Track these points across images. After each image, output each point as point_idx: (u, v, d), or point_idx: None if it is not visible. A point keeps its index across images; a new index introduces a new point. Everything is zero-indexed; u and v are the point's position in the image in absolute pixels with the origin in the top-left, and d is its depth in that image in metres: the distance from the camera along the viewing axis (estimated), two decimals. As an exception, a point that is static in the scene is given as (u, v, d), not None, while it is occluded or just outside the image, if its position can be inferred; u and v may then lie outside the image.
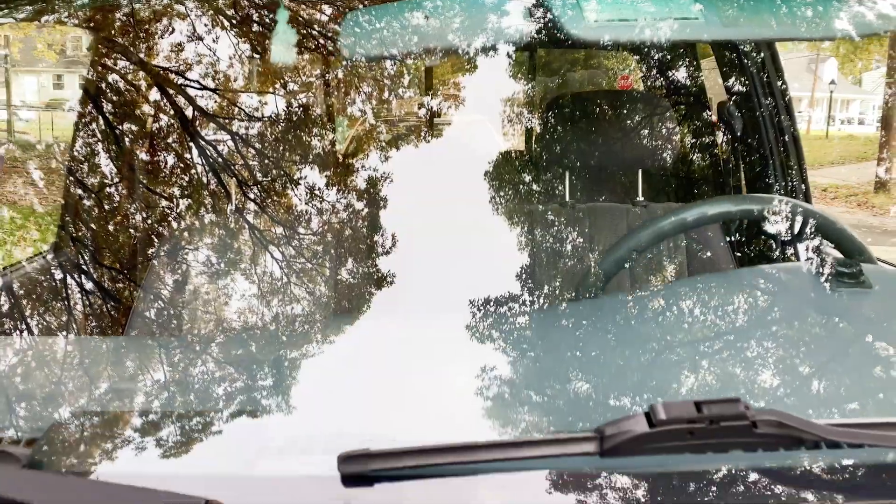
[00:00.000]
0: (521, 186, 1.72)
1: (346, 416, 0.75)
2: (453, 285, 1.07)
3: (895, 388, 0.78)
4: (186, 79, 1.53)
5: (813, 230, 1.05)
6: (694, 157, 1.97)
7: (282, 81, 1.66)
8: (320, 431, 0.75)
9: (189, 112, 1.57)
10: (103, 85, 1.63)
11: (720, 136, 1.93)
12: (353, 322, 1.13)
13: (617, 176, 1.88)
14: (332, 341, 1.00)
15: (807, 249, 1.01)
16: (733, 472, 0.65)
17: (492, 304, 1.05)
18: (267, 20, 1.72)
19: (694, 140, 2.02)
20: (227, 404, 0.81)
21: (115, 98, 1.63)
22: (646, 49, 2.11)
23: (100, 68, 1.63)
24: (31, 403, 0.90)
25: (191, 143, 1.50)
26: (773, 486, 0.65)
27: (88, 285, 1.36)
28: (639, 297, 1.06)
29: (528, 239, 1.49)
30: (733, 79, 1.93)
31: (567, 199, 1.63)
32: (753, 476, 0.65)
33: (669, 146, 1.69)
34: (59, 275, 1.37)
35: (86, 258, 1.41)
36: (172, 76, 1.54)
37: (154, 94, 1.57)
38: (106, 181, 1.59)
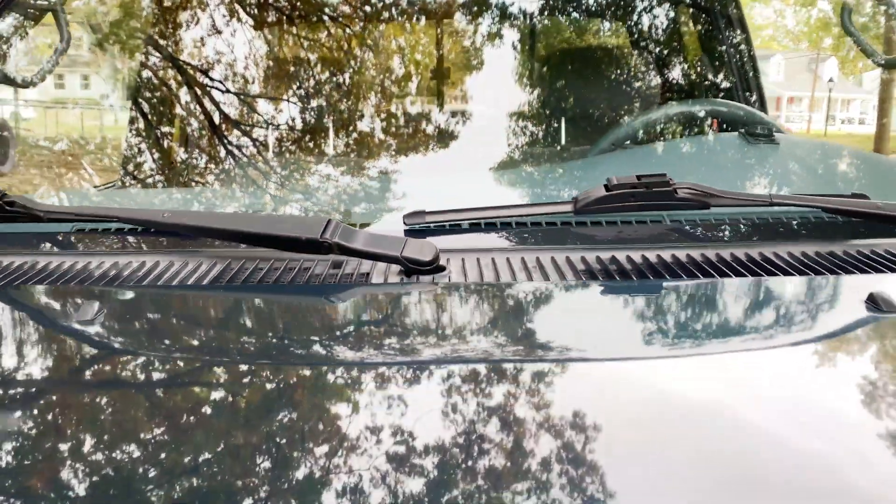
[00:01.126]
0: (518, 134, 2.04)
1: (406, 191, 1.09)
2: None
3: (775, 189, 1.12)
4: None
5: (745, 117, 1.39)
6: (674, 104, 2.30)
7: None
8: (388, 201, 1.10)
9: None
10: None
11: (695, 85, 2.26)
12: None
13: (607, 123, 2.20)
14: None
15: (738, 127, 1.35)
16: (661, 225, 0.99)
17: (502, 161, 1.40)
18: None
19: (675, 92, 2.35)
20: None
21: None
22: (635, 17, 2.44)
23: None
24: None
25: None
26: (688, 237, 0.98)
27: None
28: (607, 155, 1.39)
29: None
30: (708, 37, 2.26)
31: (563, 143, 1.95)
32: (675, 230, 0.99)
33: (652, 97, 2.02)
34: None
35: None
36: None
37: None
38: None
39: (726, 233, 0.98)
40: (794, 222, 0.99)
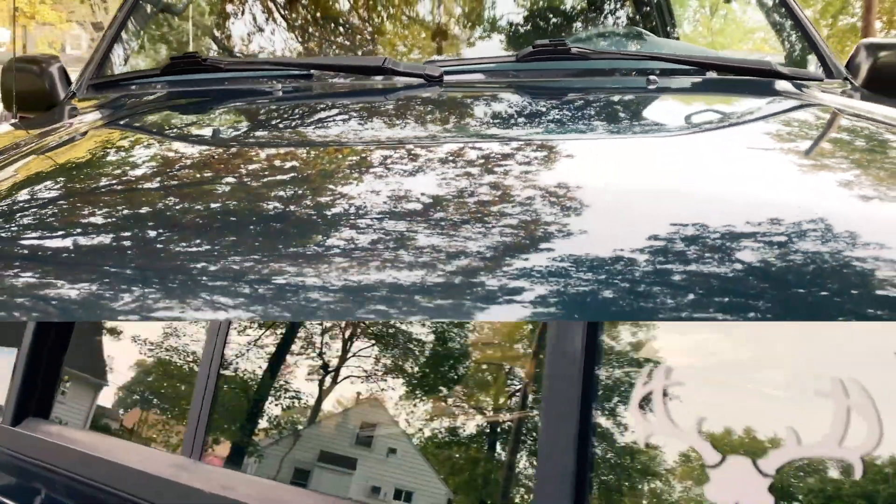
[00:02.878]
0: None
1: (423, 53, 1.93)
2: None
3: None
4: None
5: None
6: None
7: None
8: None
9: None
10: None
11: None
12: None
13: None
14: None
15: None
16: (567, 70, 1.81)
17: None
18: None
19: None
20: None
21: None
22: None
23: None
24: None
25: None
26: (577, 73, 1.80)
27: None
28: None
29: None
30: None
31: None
32: (572, 72, 1.81)
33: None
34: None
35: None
36: None
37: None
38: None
39: (595, 70, 1.81)
40: (642, 67, 1.82)
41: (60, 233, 0.97)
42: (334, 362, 1.34)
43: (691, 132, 1.37)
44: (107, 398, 1.86)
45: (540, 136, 1.36)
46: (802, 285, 0.71)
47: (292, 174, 1.11)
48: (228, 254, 0.84)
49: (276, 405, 1.42)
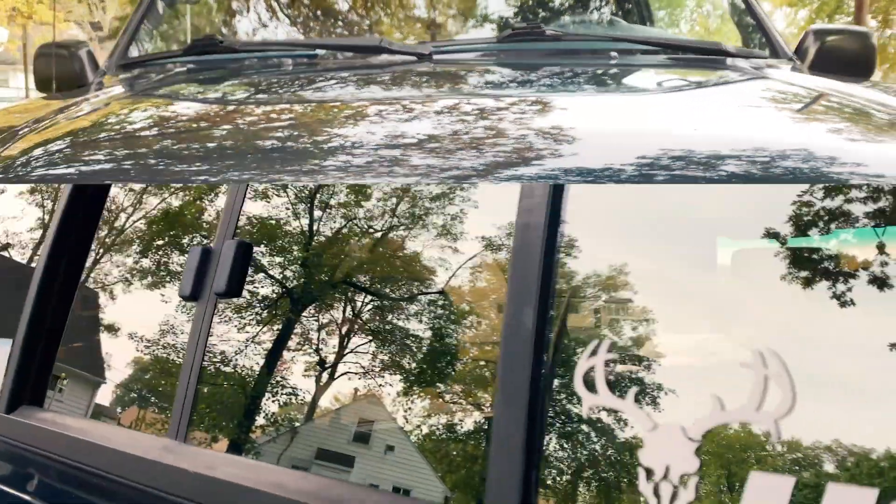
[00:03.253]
0: None
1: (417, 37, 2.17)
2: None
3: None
4: None
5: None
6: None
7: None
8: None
9: None
10: None
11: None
12: None
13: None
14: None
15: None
16: (543, 51, 2.05)
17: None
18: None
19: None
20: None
21: None
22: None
23: None
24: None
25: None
26: (551, 54, 2.04)
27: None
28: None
29: None
30: None
31: None
32: (546, 52, 2.05)
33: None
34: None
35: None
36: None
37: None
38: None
39: (566, 50, 2.05)
40: (608, 47, 2.06)
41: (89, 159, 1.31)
42: (319, 349, 1.41)
43: (645, 90, 1.62)
44: (98, 386, 1.93)
45: (513, 92, 1.61)
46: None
47: (294, 120, 1.37)
48: (227, 169, 1.11)
49: (261, 391, 1.48)
